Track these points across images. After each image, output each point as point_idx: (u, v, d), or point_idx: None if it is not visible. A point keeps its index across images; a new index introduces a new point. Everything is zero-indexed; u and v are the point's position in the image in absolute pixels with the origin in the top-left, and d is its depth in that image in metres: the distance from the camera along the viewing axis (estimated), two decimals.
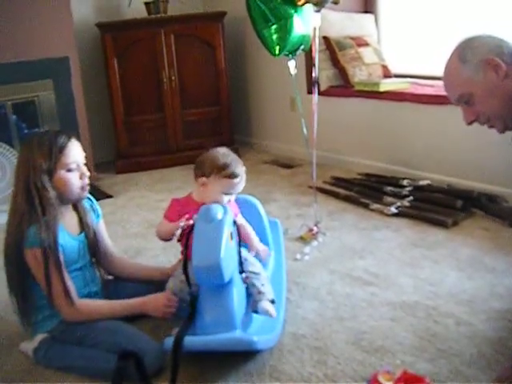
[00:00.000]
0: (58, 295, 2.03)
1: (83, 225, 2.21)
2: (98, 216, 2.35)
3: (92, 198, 2.33)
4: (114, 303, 2.16)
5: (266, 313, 2.05)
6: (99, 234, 2.33)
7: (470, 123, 2.02)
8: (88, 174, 2.16)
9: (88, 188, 2.17)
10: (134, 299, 2.15)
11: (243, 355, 1.98)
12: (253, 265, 2.16)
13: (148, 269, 2.47)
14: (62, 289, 2.02)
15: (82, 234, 2.20)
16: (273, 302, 2.09)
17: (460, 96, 1.97)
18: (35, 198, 2.02)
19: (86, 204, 2.27)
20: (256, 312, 2.08)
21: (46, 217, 2.01)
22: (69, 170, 2.09)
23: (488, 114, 1.96)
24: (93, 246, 2.25)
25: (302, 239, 3.03)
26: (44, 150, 2.05)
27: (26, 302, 2.09)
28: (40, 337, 2.09)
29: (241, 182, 2.23)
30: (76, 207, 2.22)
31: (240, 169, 2.23)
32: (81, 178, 2.12)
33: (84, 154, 2.17)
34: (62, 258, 2.04)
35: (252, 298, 2.12)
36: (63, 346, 2.06)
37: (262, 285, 2.12)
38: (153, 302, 2.12)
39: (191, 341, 1.89)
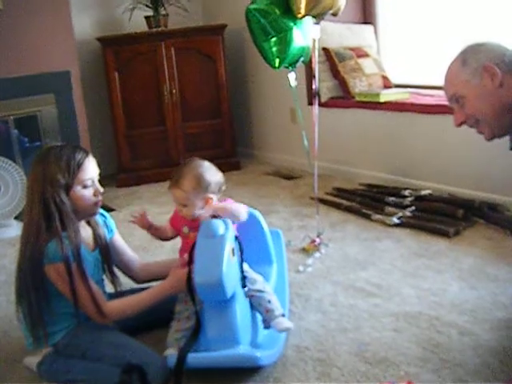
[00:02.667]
0: (87, 305, 2.03)
1: (97, 240, 2.21)
2: (111, 231, 2.34)
3: (105, 213, 2.33)
4: (141, 295, 2.14)
5: (285, 330, 2.06)
6: (118, 247, 2.34)
7: (458, 125, 2.07)
8: (102, 190, 2.15)
9: (100, 204, 2.16)
10: (154, 286, 2.16)
11: (247, 368, 1.97)
12: (254, 281, 2.12)
13: (170, 262, 2.44)
14: (90, 298, 2.02)
15: (97, 251, 2.20)
16: (283, 315, 2.09)
17: (453, 95, 2.02)
18: (54, 213, 2.01)
19: (99, 219, 2.27)
20: (269, 328, 2.08)
21: (67, 231, 2.01)
22: (84, 187, 2.08)
23: (477, 118, 2.00)
24: (106, 262, 2.25)
25: (305, 251, 3.03)
26: (62, 165, 2.04)
27: (36, 315, 2.06)
28: (44, 351, 2.08)
29: None
30: (89, 223, 2.22)
31: None
32: (95, 194, 2.11)
33: (98, 171, 2.16)
34: (85, 269, 2.04)
35: (262, 316, 2.10)
36: (67, 359, 2.05)
37: (269, 301, 2.09)
38: (173, 277, 2.12)
39: (194, 357, 1.90)
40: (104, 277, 2.27)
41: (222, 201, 2.22)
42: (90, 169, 2.11)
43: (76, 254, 2.01)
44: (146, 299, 2.13)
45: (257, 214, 2.51)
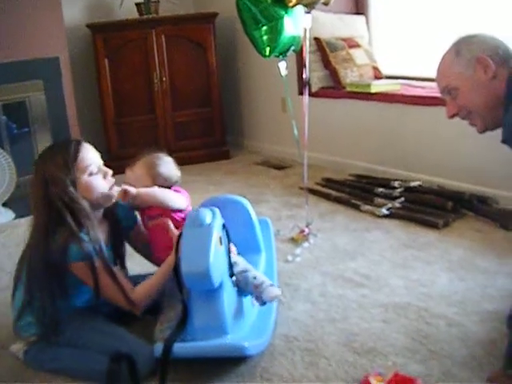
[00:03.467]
0: (117, 298, 2.04)
1: (111, 236, 2.20)
2: (132, 220, 2.33)
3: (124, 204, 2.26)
4: (156, 276, 2.13)
5: (275, 298, 2.08)
6: (141, 234, 2.34)
7: (451, 116, 2.06)
8: (111, 172, 2.15)
9: (115, 187, 2.14)
10: (162, 265, 2.15)
11: (234, 358, 1.96)
12: (236, 264, 2.12)
13: None
14: (119, 290, 2.03)
15: (110, 246, 2.18)
16: (272, 285, 2.09)
17: (445, 87, 2.01)
18: (65, 213, 1.98)
19: (119, 211, 2.25)
20: (265, 303, 2.08)
21: (85, 228, 1.99)
22: (90, 174, 2.06)
23: (469, 110, 1.99)
24: (119, 257, 2.25)
25: (294, 240, 3.02)
26: (58, 162, 2.02)
27: (50, 313, 2.04)
28: (30, 338, 2.07)
29: None
30: (107, 216, 2.20)
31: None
32: (105, 177, 2.11)
33: (99, 154, 2.15)
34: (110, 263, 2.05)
35: (252, 295, 2.10)
36: (53, 347, 2.04)
37: (254, 278, 2.09)
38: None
39: (181, 347, 1.88)
40: None
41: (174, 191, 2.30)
42: (89, 155, 2.09)
43: (99, 250, 2.00)
44: (161, 277, 2.11)
45: (245, 202, 2.49)
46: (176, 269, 2.05)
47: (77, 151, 2.05)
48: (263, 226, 2.65)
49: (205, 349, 1.88)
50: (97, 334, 2.03)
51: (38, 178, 2.04)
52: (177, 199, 2.25)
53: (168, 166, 2.30)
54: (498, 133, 2.03)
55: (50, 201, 1.99)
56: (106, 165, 2.17)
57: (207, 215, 1.99)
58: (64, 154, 2.03)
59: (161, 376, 1.83)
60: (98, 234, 2.02)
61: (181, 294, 2.04)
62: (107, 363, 1.81)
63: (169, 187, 2.28)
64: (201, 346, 1.89)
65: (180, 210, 2.26)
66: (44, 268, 2.00)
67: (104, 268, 2.01)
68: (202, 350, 1.89)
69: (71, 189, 2.00)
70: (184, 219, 2.16)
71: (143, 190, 2.19)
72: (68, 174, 2.01)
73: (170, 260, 2.09)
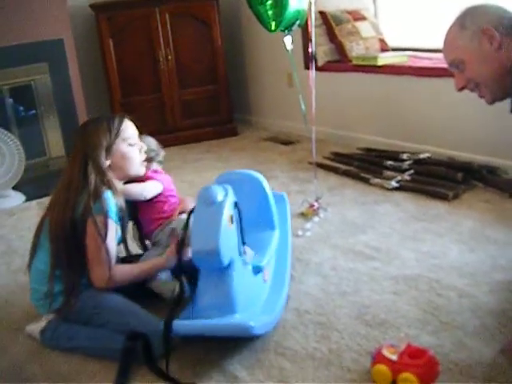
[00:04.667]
0: (102, 262, 2.05)
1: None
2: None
3: None
4: (142, 265, 2.22)
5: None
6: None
7: (459, 89, 2.05)
8: (145, 148, 2.31)
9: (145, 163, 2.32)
10: (155, 259, 2.22)
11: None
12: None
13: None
14: (110, 256, 2.06)
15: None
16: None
17: (452, 61, 2.00)
18: (94, 173, 2.10)
19: None
20: None
21: (111, 189, 2.11)
22: (129, 145, 2.22)
23: (477, 82, 1.97)
24: (122, 232, 2.26)
25: (304, 215, 3.03)
26: (103, 128, 2.17)
27: (73, 271, 2.09)
28: (47, 317, 2.09)
29: None
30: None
31: None
32: (140, 152, 2.27)
33: (137, 132, 2.30)
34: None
35: None
36: (70, 326, 2.06)
37: None
38: (169, 253, 2.17)
39: (186, 325, 1.89)
40: None
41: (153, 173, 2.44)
42: (131, 128, 2.26)
43: (119, 211, 2.14)
44: (147, 270, 2.18)
45: (260, 177, 2.45)
46: (180, 244, 2.10)
47: (121, 121, 2.23)
48: (279, 201, 2.63)
49: (211, 327, 1.88)
50: (115, 312, 2.04)
51: (80, 143, 2.17)
52: (151, 188, 2.37)
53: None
54: (506, 103, 2.02)
55: (86, 162, 2.11)
56: None
57: (219, 193, 1.97)
58: (109, 122, 2.20)
59: (165, 353, 1.86)
60: (121, 198, 2.16)
61: (180, 270, 2.09)
62: (123, 342, 1.85)
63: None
64: (207, 324, 1.89)
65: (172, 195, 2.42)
66: (70, 227, 2.06)
67: (111, 230, 2.08)
68: (207, 329, 1.88)
69: (104, 154, 2.14)
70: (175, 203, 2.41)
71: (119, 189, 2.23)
72: (108, 141, 2.16)
73: (164, 262, 2.17)
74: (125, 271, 2.14)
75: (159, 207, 2.38)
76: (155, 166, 2.50)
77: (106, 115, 2.29)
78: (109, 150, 2.16)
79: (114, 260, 2.09)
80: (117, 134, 2.18)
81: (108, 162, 2.15)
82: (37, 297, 2.14)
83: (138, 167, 2.26)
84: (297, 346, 1.94)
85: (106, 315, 2.03)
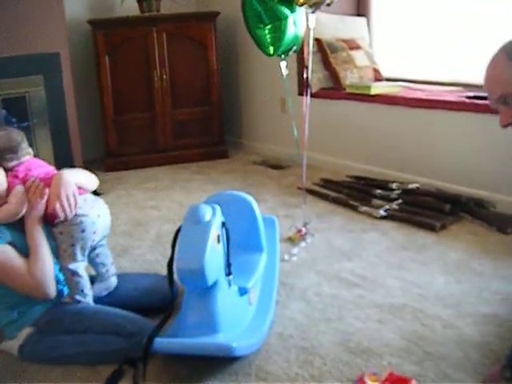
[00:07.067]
0: (17, 280, 1.98)
1: None
2: None
3: None
4: (30, 244, 2.03)
5: None
6: None
7: (505, 126, 1.88)
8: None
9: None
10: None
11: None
12: None
13: None
14: (18, 271, 1.97)
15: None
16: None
17: (501, 96, 1.78)
18: None
19: None
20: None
21: None
22: None
23: None
24: None
25: (291, 240, 3.02)
26: None
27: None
28: (24, 332, 2.05)
29: None
30: None
31: None
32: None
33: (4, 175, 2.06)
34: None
35: None
36: (53, 336, 2.03)
37: None
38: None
39: (168, 343, 1.89)
40: None
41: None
42: None
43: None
44: (36, 236, 2.04)
45: (249, 199, 2.44)
46: (170, 264, 2.08)
47: None
48: (269, 225, 2.63)
49: (192, 346, 1.87)
50: (98, 315, 2.03)
51: None
52: (16, 206, 2.05)
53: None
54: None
55: None
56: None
57: (207, 212, 1.97)
58: None
59: (142, 371, 1.86)
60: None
61: (170, 289, 2.09)
62: (120, 342, 1.89)
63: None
64: (188, 342, 1.88)
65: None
66: None
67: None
68: (189, 347, 1.87)
69: None
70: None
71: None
72: None
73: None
74: (33, 263, 2.00)
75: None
76: (24, 159, 2.17)
77: None
78: None
79: (21, 269, 1.97)
80: None
81: None
82: (2, 324, 2.09)
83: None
84: (279, 370, 1.92)
85: (88, 321, 2.02)
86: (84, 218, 2.11)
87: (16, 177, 2.09)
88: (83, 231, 2.11)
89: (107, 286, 2.29)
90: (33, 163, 2.17)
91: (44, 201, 2.04)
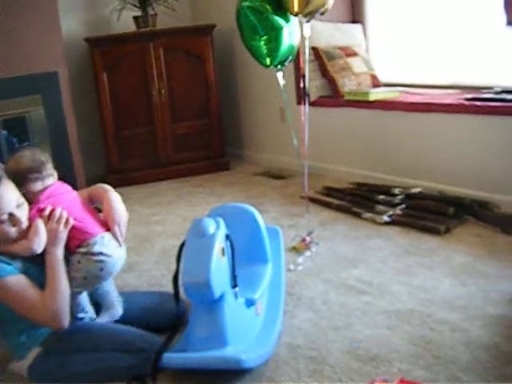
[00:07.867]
0: (32, 310, 1.96)
1: None
2: None
3: None
4: (49, 273, 1.98)
5: None
6: None
7: None
8: (24, 219, 1.98)
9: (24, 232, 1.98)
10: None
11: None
12: None
13: None
14: (32, 302, 1.95)
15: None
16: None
17: None
18: None
19: None
20: None
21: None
22: (1, 222, 1.93)
23: None
24: None
25: (295, 249, 3.02)
26: None
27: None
28: (33, 353, 2.03)
29: None
30: None
31: None
32: (14, 225, 1.96)
33: (17, 194, 1.98)
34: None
35: None
36: (62, 356, 2.01)
37: None
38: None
39: (177, 357, 1.89)
40: None
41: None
42: (5, 198, 1.92)
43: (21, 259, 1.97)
44: (57, 268, 1.99)
45: (253, 211, 2.44)
46: (175, 278, 2.08)
47: None
48: (273, 235, 2.63)
49: (201, 360, 1.87)
50: (106, 333, 2.03)
51: None
52: (33, 243, 1.98)
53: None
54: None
55: None
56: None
57: (211, 225, 1.98)
58: None
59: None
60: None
61: (176, 304, 2.08)
62: (129, 358, 1.89)
63: None
64: (197, 357, 1.88)
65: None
66: None
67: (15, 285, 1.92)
68: (198, 361, 1.88)
69: None
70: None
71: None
72: None
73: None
74: (49, 295, 1.96)
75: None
76: (49, 181, 2.15)
77: None
78: None
79: (35, 300, 1.95)
80: None
81: None
82: (12, 346, 2.08)
83: (17, 245, 1.96)
84: (289, 380, 1.92)
85: (96, 339, 2.01)
86: (106, 258, 2.10)
87: (38, 209, 2.03)
88: (101, 270, 2.09)
89: (112, 315, 2.24)
90: (55, 190, 2.13)
91: (67, 230, 2.03)
